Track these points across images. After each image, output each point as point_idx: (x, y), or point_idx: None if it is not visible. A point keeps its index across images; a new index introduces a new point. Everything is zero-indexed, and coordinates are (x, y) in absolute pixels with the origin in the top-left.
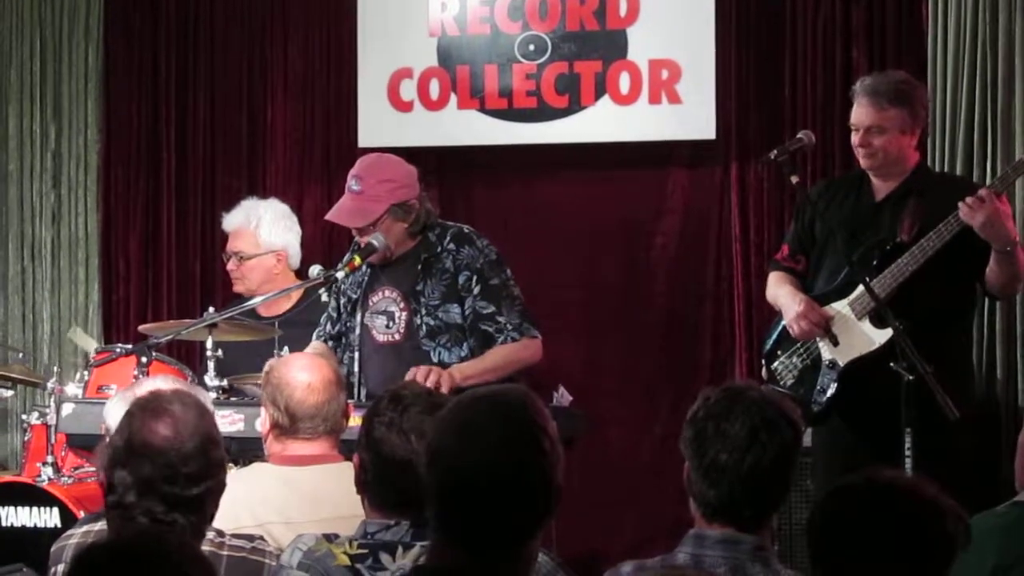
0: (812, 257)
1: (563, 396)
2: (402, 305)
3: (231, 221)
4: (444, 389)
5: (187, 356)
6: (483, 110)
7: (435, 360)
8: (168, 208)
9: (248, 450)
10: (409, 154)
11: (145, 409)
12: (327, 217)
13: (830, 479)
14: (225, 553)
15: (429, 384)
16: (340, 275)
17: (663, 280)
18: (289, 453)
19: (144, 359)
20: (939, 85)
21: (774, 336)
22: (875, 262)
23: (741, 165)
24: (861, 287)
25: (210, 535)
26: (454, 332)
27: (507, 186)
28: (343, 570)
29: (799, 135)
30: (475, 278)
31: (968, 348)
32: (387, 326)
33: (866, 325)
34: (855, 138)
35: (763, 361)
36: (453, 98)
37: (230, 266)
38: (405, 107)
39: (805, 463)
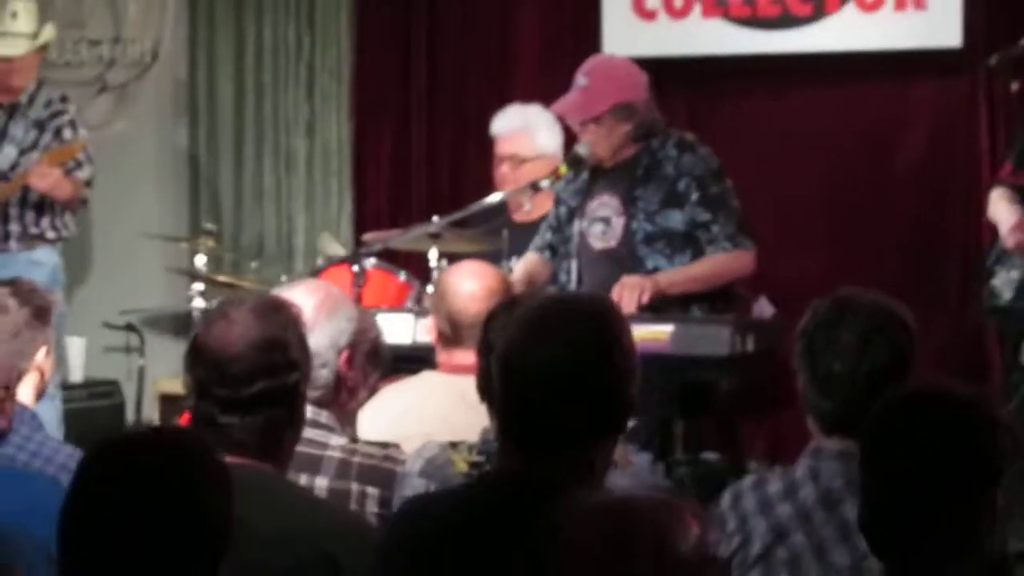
0: None
1: (763, 307)
2: (620, 210)
3: (505, 124)
4: (646, 297)
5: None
6: (727, 18)
7: (650, 267)
8: (418, 119)
9: None
10: (657, 64)
11: (210, 315)
12: (551, 109)
13: None
14: (357, 460)
15: (632, 298)
16: (544, 184)
17: (907, 195)
18: (456, 362)
19: (356, 268)
20: None
21: (992, 256)
22: None
23: (991, 74)
24: None
25: (341, 442)
26: (674, 239)
27: (751, 96)
28: (460, 478)
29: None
30: (695, 184)
31: None
32: (603, 232)
33: None
34: None
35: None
36: (697, 7)
37: (503, 170)
38: (649, 16)
39: None
